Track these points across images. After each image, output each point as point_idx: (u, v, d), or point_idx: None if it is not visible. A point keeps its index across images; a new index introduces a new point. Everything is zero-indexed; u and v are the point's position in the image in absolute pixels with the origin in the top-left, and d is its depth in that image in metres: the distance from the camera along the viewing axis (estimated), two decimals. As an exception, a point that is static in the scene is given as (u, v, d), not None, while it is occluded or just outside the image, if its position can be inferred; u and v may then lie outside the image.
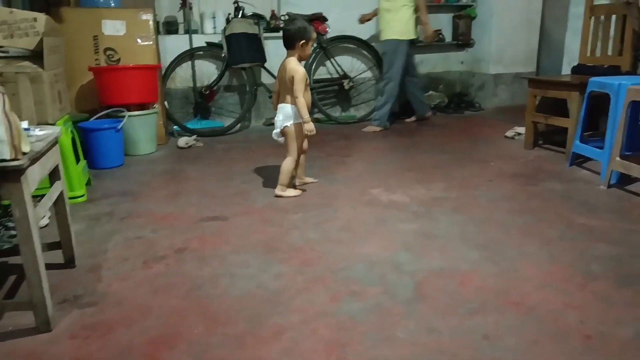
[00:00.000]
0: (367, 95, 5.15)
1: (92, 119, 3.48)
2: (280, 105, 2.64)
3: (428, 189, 2.77)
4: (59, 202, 1.81)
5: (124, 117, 3.46)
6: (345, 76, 4.88)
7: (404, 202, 2.56)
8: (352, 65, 5.00)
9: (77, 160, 2.76)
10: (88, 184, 2.88)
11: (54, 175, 1.78)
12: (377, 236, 2.14)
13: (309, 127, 2.54)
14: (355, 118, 4.98)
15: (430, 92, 5.57)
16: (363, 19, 4.66)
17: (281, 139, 2.70)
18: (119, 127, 3.37)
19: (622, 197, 2.57)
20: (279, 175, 2.67)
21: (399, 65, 4.37)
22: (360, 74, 5.06)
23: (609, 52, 3.47)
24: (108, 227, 2.31)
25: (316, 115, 4.96)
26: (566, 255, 1.91)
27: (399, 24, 4.29)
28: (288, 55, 2.61)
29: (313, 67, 4.78)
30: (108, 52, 3.77)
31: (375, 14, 4.61)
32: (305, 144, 2.74)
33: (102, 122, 3.44)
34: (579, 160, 3.15)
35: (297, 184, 2.83)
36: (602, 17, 3.48)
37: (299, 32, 2.55)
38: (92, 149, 3.30)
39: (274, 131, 2.68)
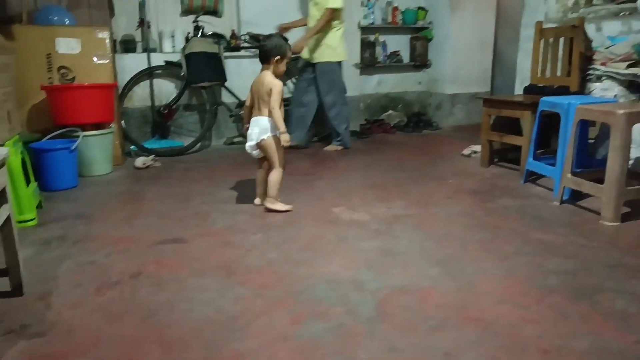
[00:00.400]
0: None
1: (44, 140, 3.36)
2: (254, 119, 2.66)
3: (389, 206, 2.79)
4: (6, 226, 1.73)
5: (78, 137, 3.36)
6: (306, 95, 4.90)
7: (366, 220, 2.56)
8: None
9: (28, 182, 2.65)
10: (39, 206, 2.76)
11: (0, 198, 1.70)
12: (339, 255, 2.13)
13: (286, 137, 2.57)
14: (317, 137, 4.99)
15: (390, 111, 5.67)
16: (283, 27, 4.52)
17: (256, 152, 2.70)
18: (73, 147, 3.26)
19: (575, 212, 2.65)
20: (268, 188, 2.68)
21: (341, 87, 4.40)
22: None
23: (559, 73, 3.61)
24: (59, 251, 2.22)
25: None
26: (522, 270, 1.95)
27: (332, 45, 4.26)
28: (263, 69, 2.66)
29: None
30: (62, 71, 3.67)
31: (299, 24, 4.59)
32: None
33: (55, 143, 3.33)
34: (533, 177, 3.25)
35: (255, 204, 2.82)
36: (551, 40, 3.64)
37: (275, 48, 2.60)
38: (44, 170, 3.17)
39: (248, 144, 2.68)
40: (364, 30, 5.31)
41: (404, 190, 3.10)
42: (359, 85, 5.36)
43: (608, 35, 3.66)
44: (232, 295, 1.78)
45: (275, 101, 2.56)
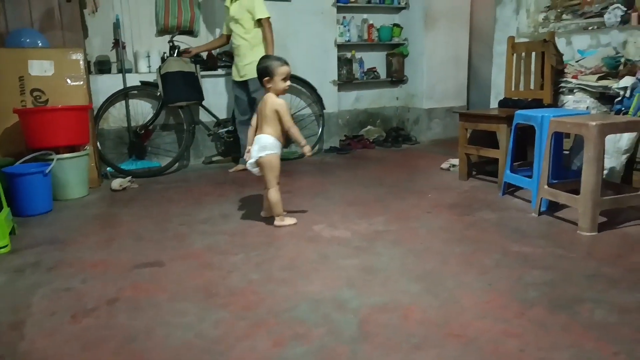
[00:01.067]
0: (307, 132, 5.19)
1: (17, 163, 3.29)
2: (256, 137, 2.71)
3: (369, 222, 2.79)
4: (-26, 255, 1.67)
5: (52, 160, 3.29)
6: (284, 113, 4.90)
7: (346, 237, 2.55)
8: (291, 102, 5.04)
9: (0, 208, 2.58)
10: (12, 233, 2.69)
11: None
12: (321, 274, 2.11)
13: (307, 149, 2.73)
14: (296, 154, 4.99)
15: (369, 127, 5.71)
16: (191, 52, 4.37)
17: (255, 170, 2.74)
18: (47, 171, 3.19)
19: (552, 224, 2.69)
20: (272, 209, 2.74)
21: None
22: (300, 110, 5.11)
23: (532, 86, 3.69)
24: (33, 278, 2.15)
25: (257, 152, 4.93)
26: (503, 283, 1.96)
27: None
28: (266, 91, 2.72)
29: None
30: (35, 94, 3.61)
31: (216, 46, 4.52)
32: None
33: (28, 167, 3.26)
34: (510, 189, 3.29)
35: (263, 216, 2.90)
36: (523, 54, 3.72)
37: (261, 71, 2.68)
38: (17, 195, 3.10)
39: (249, 161, 2.72)
40: (341, 47, 5.37)
41: (384, 206, 3.11)
42: (337, 102, 5.39)
43: (578, 49, 3.76)
44: (213, 319, 1.74)
45: (288, 121, 2.67)
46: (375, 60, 5.76)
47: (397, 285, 1.98)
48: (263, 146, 2.66)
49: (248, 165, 2.75)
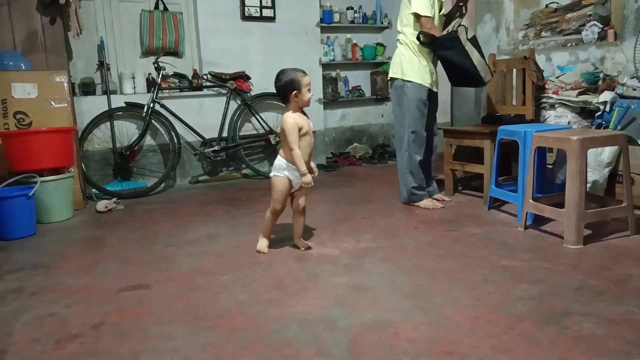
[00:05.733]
0: (293, 150, 5.20)
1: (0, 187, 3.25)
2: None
3: (358, 240, 2.79)
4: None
5: (35, 183, 3.25)
6: (271, 131, 4.93)
7: (335, 255, 2.55)
8: (277, 120, 5.06)
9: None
10: (-7, 258, 2.64)
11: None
12: (310, 293, 2.10)
13: (306, 179, 2.46)
14: (282, 172, 4.99)
15: (355, 144, 5.75)
16: None
17: None
18: (30, 194, 3.15)
19: (538, 237, 2.71)
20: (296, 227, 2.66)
21: None
22: (286, 129, 5.12)
23: (514, 102, 3.75)
24: (15, 305, 2.10)
25: (244, 171, 4.93)
26: (492, 298, 1.96)
27: None
28: (285, 110, 2.55)
29: (238, 123, 4.79)
30: (18, 116, 3.57)
31: None
32: (300, 202, 2.61)
33: (11, 190, 3.21)
34: (496, 203, 3.31)
35: (292, 245, 2.72)
36: (504, 71, 3.79)
37: (288, 84, 2.49)
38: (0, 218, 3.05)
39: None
40: (325, 66, 5.42)
41: (372, 223, 3.11)
42: (323, 120, 5.43)
43: (558, 65, 3.85)
44: (200, 342, 1.71)
45: (291, 142, 2.44)
46: (360, 78, 5.83)
47: (387, 302, 1.97)
48: (275, 167, 2.57)
49: None
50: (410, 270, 2.30)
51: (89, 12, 4.37)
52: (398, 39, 3.42)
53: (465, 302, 1.94)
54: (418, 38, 3.28)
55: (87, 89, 4.33)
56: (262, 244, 2.66)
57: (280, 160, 2.55)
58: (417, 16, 3.24)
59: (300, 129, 2.47)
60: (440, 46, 3.28)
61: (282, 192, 2.56)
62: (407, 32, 3.33)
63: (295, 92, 2.49)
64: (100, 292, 2.20)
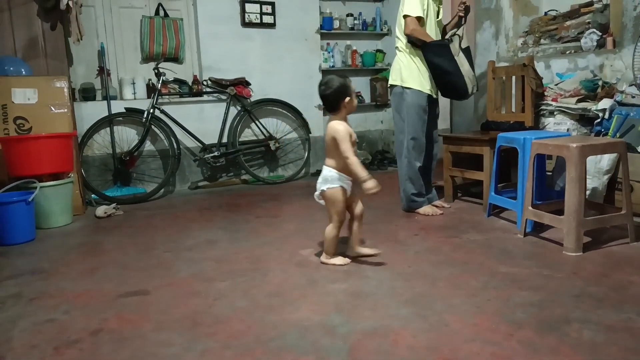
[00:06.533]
0: (294, 155, 5.22)
1: (-1, 192, 3.24)
2: (323, 167, 2.50)
3: (357, 246, 2.78)
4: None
5: (35, 188, 3.25)
6: (271, 137, 4.94)
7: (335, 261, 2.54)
8: (277, 126, 5.08)
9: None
10: (-8, 263, 2.64)
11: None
12: (309, 299, 2.09)
13: (368, 185, 2.29)
14: (283, 178, 5.00)
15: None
16: None
17: (322, 202, 2.52)
18: (30, 199, 3.15)
19: (538, 244, 2.71)
20: (325, 243, 2.50)
21: None
22: (286, 135, 5.13)
23: (513, 109, 3.76)
24: (14, 311, 2.10)
25: (244, 177, 4.94)
26: (491, 305, 1.96)
27: None
28: (332, 119, 2.44)
29: (238, 129, 4.80)
30: (18, 122, 3.58)
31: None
32: (358, 208, 2.50)
33: (10, 195, 3.21)
34: (496, 210, 3.31)
35: (350, 255, 2.55)
36: (503, 78, 3.80)
37: (340, 91, 2.38)
38: (-2, 224, 3.05)
39: (315, 193, 2.52)
40: (325, 73, 5.43)
41: (372, 229, 3.10)
42: (323, 126, 5.43)
43: (557, 72, 3.86)
44: (199, 349, 1.71)
45: (345, 150, 2.32)
46: (360, 84, 5.84)
47: (387, 309, 1.96)
48: (325, 179, 2.43)
49: (315, 196, 2.52)
50: (410, 276, 2.30)
51: (90, 18, 4.38)
52: (397, 46, 3.43)
53: (465, 308, 1.94)
54: (410, 41, 3.29)
55: (87, 94, 4.35)
56: (338, 260, 2.49)
57: (331, 172, 2.42)
58: (405, 18, 3.24)
59: (350, 136, 2.39)
60: (430, 52, 3.28)
61: (343, 203, 2.44)
62: (404, 39, 3.34)
63: (348, 98, 2.40)
64: (99, 298, 2.19)
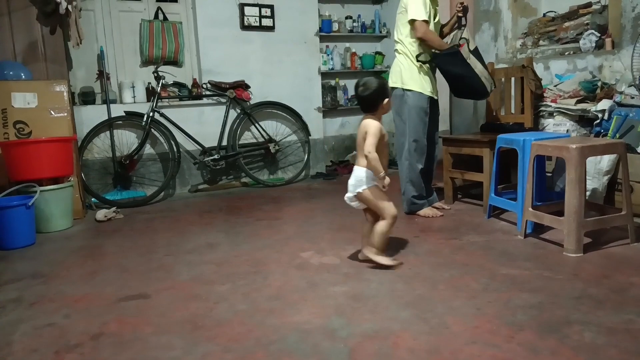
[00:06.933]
0: (294, 158, 5.22)
1: (-1, 197, 3.25)
2: (354, 168, 2.47)
3: (358, 248, 2.76)
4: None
5: (35, 192, 3.25)
6: (270, 140, 4.94)
7: (335, 264, 2.54)
8: (277, 129, 5.08)
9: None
10: (-8, 267, 2.64)
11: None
12: (309, 302, 2.09)
13: (387, 181, 2.34)
14: (283, 180, 5.00)
15: (354, 152, 5.73)
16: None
17: (354, 204, 2.50)
18: (30, 203, 3.15)
19: (538, 245, 2.71)
20: (372, 237, 2.44)
21: None
22: (286, 137, 5.14)
23: (512, 111, 3.76)
24: (14, 315, 2.10)
25: (244, 180, 4.94)
26: (492, 308, 1.96)
27: None
28: (366, 117, 2.44)
29: (238, 132, 4.80)
30: (18, 126, 3.58)
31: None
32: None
33: (10, 199, 3.22)
34: (496, 211, 3.31)
35: (360, 258, 2.55)
36: (503, 79, 3.80)
37: (379, 92, 2.39)
38: (-2, 228, 3.05)
39: (346, 195, 2.50)
40: (325, 75, 5.45)
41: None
42: (323, 128, 5.44)
43: (556, 73, 3.86)
44: (200, 352, 1.71)
45: (369, 144, 2.32)
46: (359, 87, 5.84)
47: (387, 312, 1.96)
48: (360, 180, 2.41)
49: (346, 199, 2.49)
50: (410, 278, 2.30)
51: (89, 21, 4.39)
52: (396, 49, 3.43)
53: (465, 311, 1.94)
54: (417, 58, 3.29)
55: (87, 98, 4.35)
56: (386, 260, 2.43)
57: (367, 172, 2.40)
58: (412, 22, 3.25)
59: (383, 137, 2.41)
60: (442, 62, 3.30)
61: (384, 196, 2.42)
62: (405, 41, 3.34)
63: (387, 99, 2.41)
64: (100, 302, 2.19)
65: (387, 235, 2.45)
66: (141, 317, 2.02)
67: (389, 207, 2.43)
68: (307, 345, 1.72)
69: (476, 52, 3.33)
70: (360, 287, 2.23)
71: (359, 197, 2.45)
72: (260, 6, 4.94)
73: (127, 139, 4.44)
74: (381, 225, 2.43)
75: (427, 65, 3.33)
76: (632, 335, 1.69)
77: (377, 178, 2.37)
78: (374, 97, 2.40)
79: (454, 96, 3.82)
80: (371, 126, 2.36)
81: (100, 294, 2.29)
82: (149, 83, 4.59)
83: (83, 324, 1.97)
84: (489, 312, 1.92)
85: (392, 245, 2.79)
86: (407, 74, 3.32)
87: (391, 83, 3.44)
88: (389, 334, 1.78)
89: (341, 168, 5.45)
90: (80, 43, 3.92)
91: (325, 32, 5.42)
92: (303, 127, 5.09)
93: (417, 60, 3.28)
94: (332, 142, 5.70)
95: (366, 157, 2.35)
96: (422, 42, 3.29)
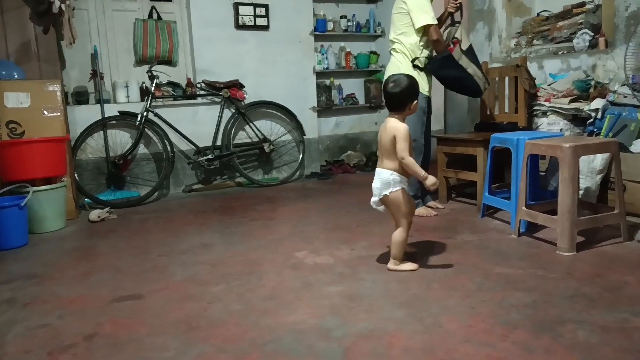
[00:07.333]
0: (288, 157, 5.21)
1: (-9, 197, 3.22)
2: (377, 171, 2.41)
3: (352, 248, 2.78)
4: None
5: (27, 193, 3.23)
6: (265, 140, 4.93)
7: (330, 264, 2.54)
8: (271, 129, 5.07)
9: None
10: (-15, 269, 2.62)
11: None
12: (304, 302, 2.09)
13: (430, 181, 2.30)
14: (277, 180, 5.00)
15: (349, 151, 5.76)
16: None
17: (381, 208, 2.43)
18: (23, 204, 3.13)
19: (532, 244, 2.72)
20: (391, 247, 2.41)
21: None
22: (280, 137, 5.13)
23: (506, 110, 3.77)
24: (8, 316, 2.09)
25: (238, 179, 4.93)
26: (486, 307, 1.96)
27: None
28: (391, 116, 2.38)
29: (232, 132, 4.79)
30: (11, 126, 3.56)
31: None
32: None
33: (3, 200, 3.20)
34: (490, 210, 3.32)
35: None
36: (497, 79, 3.81)
37: (410, 92, 2.34)
38: (-9, 229, 3.03)
39: (372, 200, 2.43)
40: (319, 75, 5.44)
41: (367, 231, 3.11)
42: (317, 128, 5.44)
43: (550, 72, 3.88)
44: (194, 353, 1.70)
45: (403, 149, 2.27)
46: (354, 86, 5.85)
47: (382, 311, 1.96)
48: (386, 183, 2.34)
49: (372, 203, 2.43)
50: (405, 278, 2.30)
51: (83, 21, 4.36)
52: (394, 48, 3.43)
53: (459, 310, 1.94)
54: (413, 63, 3.31)
55: (81, 98, 4.32)
56: (408, 266, 2.40)
57: (394, 175, 2.34)
58: (424, 28, 3.25)
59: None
60: (437, 68, 3.32)
61: (409, 204, 2.38)
62: (404, 40, 3.34)
63: (415, 101, 2.37)
64: (94, 303, 2.18)
65: (405, 243, 2.41)
66: (135, 318, 2.01)
67: (407, 216, 2.38)
68: (302, 346, 1.72)
69: (470, 51, 3.33)
70: (354, 286, 2.23)
71: (384, 199, 2.38)
72: (255, 5, 4.93)
73: (120, 139, 4.42)
74: (398, 235, 2.38)
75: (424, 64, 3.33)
76: (626, 333, 1.70)
77: (420, 180, 2.32)
78: (403, 95, 2.33)
79: (448, 90, 3.83)
80: (400, 130, 2.29)
81: (94, 294, 2.28)
82: (143, 82, 4.57)
83: (77, 325, 1.96)
84: (483, 311, 1.93)
85: (387, 243, 2.80)
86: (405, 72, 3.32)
87: None
88: (383, 334, 1.78)
89: (336, 168, 5.46)
90: (74, 42, 3.90)
91: (320, 31, 5.41)
92: (297, 126, 5.09)
93: (413, 67, 3.29)
94: (326, 141, 5.70)
95: (401, 161, 2.30)
96: (429, 43, 3.30)
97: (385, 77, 3.48)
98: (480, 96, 3.61)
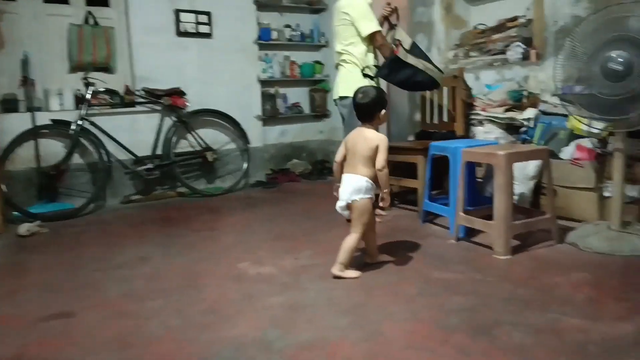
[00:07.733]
0: (232, 167, 5.13)
1: None
2: (347, 176, 2.42)
3: (296, 257, 2.76)
4: None
5: (-53, 206, 3.00)
6: (208, 148, 4.83)
7: (273, 274, 2.51)
8: (215, 137, 4.98)
9: None
10: None
11: None
12: (245, 315, 2.05)
13: (387, 199, 2.39)
14: (221, 189, 4.90)
15: (294, 160, 5.74)
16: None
17: (346, 213, 2.44)
18: (-59, 218, 2.90)
19: (469, 249, 2.79)
20: (340, 253, 2.40)
21: None
22: (224, 145, 5.05)
23: (445, 119, 3.88)
24: None
25: (180, 189, 4.80)
26: (426, 312, 1.99)
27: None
28: (365, 127, 2.45)
29: (173, 140, 4.66)
30: None
31: None
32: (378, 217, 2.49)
33: None
34: (430, 216, 3.39)
35: (370, 262, 2.59)
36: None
37: (377, 102, 2.42)
38: None
39: (338, 204, 2.42)
40: (264, 83, 5.41)
41: (312, 240, 3.10)
42: (262, 136, 5.40)
43: (486, 83, 4.03)
44: (127, 372, 1.62)
45: (384, 160, 2.35)
46: (299, 95, 5.85)
47: (324, 321, 1.95)
48: (358, 189, 2.37)
49: (338, 208, 2.43)
50: (348, 286, 2.30)
51: (14, 25, 4.13)
52: (343, 59, 3.44)
53: (401, 316, 1.96)
54: (363, 72, 3.36)
55: (9, 105, 4.08)
56: (353, 273, 2.42)
57: (367, 182, 2.39)
58: (370, 35, 3.30)
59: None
60: (388, 73, 3.37)
61: (372, 213, 2.45)
62: (353, 51, 3.36)
63: (384, 111, 2.45)
64: (20, 322, 2.04)
65: (353, 250, 2.43)
66: (65, 337, 1.89)
67: (366, 225, 2.43)
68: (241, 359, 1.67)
69: (415, 48, 3.40)
70: (297, 296, 2.21)
71: (352, 205, 2.40)
72: (197, 13, 4.85)
73: (53, 149, 4.20)
74: (351, 241, 2.42)
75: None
76: (557, 334, 1.76)
77: (383, 193, 2.38)
78: (371, 105, 2.43)
79: (407, 91, 3.88)
80: (383, 141, 2.38)
81: (21, 313, 2.13)
82: (78, 90, 4.37)
83: (1, 347, 1.83)
84: (424, 316, 1.95)
85: (331, 252, 2.79)
86: (361, 83, 3.34)
87: (341, 92, 3.45)
88: (325, 344, 1.76)
89: (281, 176, 5.42)
90: (2, 47, 3.68)
91: (264, 40, 5.39)
92: (241, 135, 5.03)
93: (364, 76, 3.34)
94: (271, 150, 5.65)
95: (380, 171, 2.36)
96: (376, 50, 3.37)
97: (336, 89, 3.52)
98: (439, 87, 3.68)
